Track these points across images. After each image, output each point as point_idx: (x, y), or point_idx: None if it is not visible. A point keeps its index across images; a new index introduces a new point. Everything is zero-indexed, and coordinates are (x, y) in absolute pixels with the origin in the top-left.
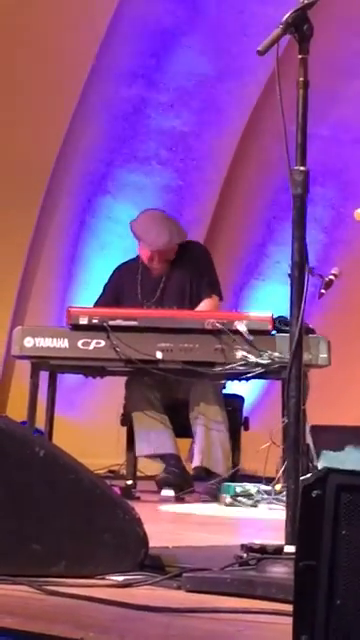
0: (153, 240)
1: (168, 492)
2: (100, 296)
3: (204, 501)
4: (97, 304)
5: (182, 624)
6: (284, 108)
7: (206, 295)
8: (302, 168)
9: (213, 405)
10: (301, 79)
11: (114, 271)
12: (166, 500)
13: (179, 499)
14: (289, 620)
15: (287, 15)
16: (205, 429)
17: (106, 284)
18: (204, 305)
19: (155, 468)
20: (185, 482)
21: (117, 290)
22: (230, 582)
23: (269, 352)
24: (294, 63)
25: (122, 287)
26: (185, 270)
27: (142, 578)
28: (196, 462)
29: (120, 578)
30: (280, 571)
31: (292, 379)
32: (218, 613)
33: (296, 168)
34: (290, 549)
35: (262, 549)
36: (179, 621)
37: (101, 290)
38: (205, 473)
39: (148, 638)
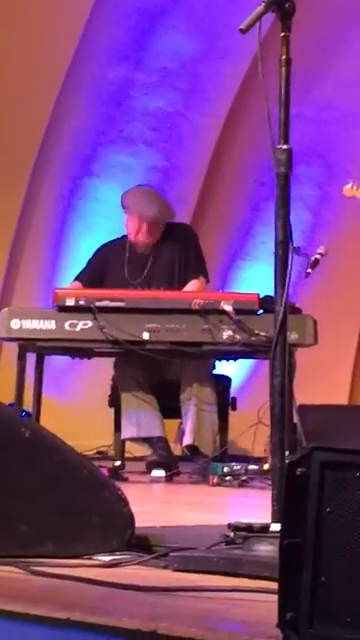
0: (142, 210)
1: (158, 472)
2: (81, 272)
3: (192, 482)
4: (77, 278)
5: (169, 603)
6: (269, 87)
7: (193, 276)
8: (285, 146)
9: (206, 387)
10: (283, 57)
11: (98, 249)
12: (156, 481)
13: (168, 479)
14: (275, 598)
15: None
16: (197, 410)
17: (89, 260)
18: (191, 286)
19: (144, 449)
20: (172, 463)
21: (100, 269)
22: (217, 561)
23: (256, 331)
24: (279, 42)
25: (106, 266)
26: (173, 250)
27: (129, 558)
28: (188, 440)
29: (107, 558)
30: (266, 549)
31: (277, 357)
32: (205, 592)
33: (279, 147)
34: (276, 527)
35: (248, 528)
36: (166, 600)
37: (84, 266)
38: (194, 452)
39: (135, 617)
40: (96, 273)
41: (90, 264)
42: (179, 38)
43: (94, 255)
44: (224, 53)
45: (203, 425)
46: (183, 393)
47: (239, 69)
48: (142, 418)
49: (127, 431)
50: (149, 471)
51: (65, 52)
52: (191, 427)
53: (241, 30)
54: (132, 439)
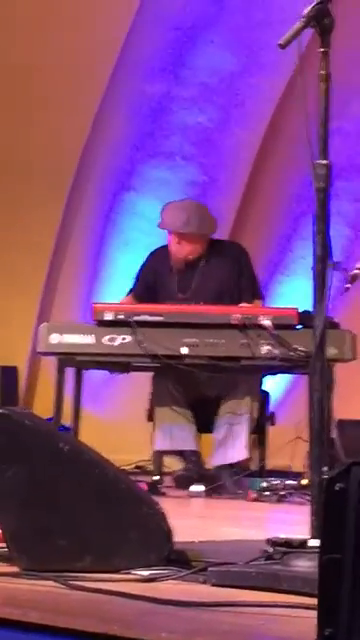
0: (171, 222)
1: (198, 487)
2: (134, 286)
3: (230, 496)
4: (130, 293)
5: (207, 618)
6: (307, 102)
7: (247, 299)
8: (324, 162)
9: (257, 402)
10: (322, 72)
11: (147, 259)
12: (195, 495)
13: (207, 494)
14: (314, 613)
15: (308, 8)
16: (249, 425)
17: (140, 272)
18: None
19: (178, 463)
20: (203, 478)
21: (151, 277)
22: (255, 576)
23: (294, 346)
24: (317, 57)
25: (156, 277)
26: (222, 268)
27: (167, 573)
28: (245, 454)
29: (145, 573)
30: (305, 565)
31: (316, 372)
32: (243, 607)
33: (318, 162)
34: (315, 543)
35: (287, 543)
36: (204, 615)
37: (135, 279)
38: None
39: (173, 632)
40: (149, 285)
41: (140, 276)
42: (218, 53)
43: (144, 266)
44: (263, 68)
45: (250, 440)
46: (226, 404)
47: (278, 84)
48: (176, 431)
49: (160, 443)
50: (177, 486)
51: (105, 67)
52: (245, 442)
53: (280, 45)
54: (165, 452)
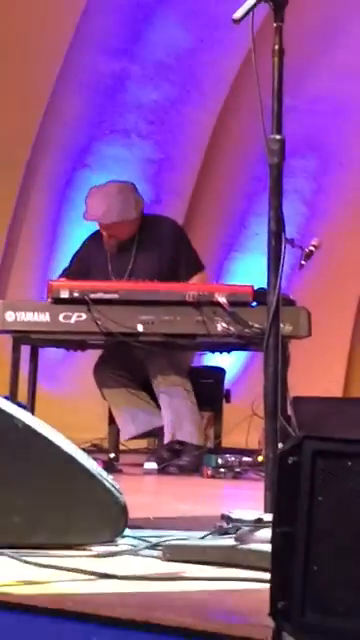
0: (92, 212)
1: (151, 465)
2: (67, 267)
3: (186, 473)
4: (63, 274)
5: (162, 593)
6: (262, 78)
7: (190, 275)
8: (278, 137)
9: (173, 375)
10: (276, 47)
11: (84, 241)
12: (149, 473)
13: (161, 471)
14: (268, 587)
15: None
16: (168, 399)
17: (75, 255)
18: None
19: (137, 442)
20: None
21: (85, 261)
22: (210, 551)
23: (250, 323)
24: (272, 35)
25: (90, 259)
26: (157, 246)
27: (122, 548)
28: (167, 438)
29: (100, 548)
30: (259, 539)
31: (270, 348)
32: (198, 581)
33: (272, 137)
34: (269, 517)
35: (242, 518)
36: (159, 590)
37: (70, 260)
38: (179, 446)
39: (128, 607)
40: (82, 265)
41: (76, 259)
42: (174, 30)
43: (80, 248)
44: (218, 45)
45: (181, 416)
46: (153, 385)
47: (234, 61)
48: (137, 414)
49: (125, 431)
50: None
51: (60, 44)
52: (168, 421)
53: (234, 20)
54: (133, 437)
